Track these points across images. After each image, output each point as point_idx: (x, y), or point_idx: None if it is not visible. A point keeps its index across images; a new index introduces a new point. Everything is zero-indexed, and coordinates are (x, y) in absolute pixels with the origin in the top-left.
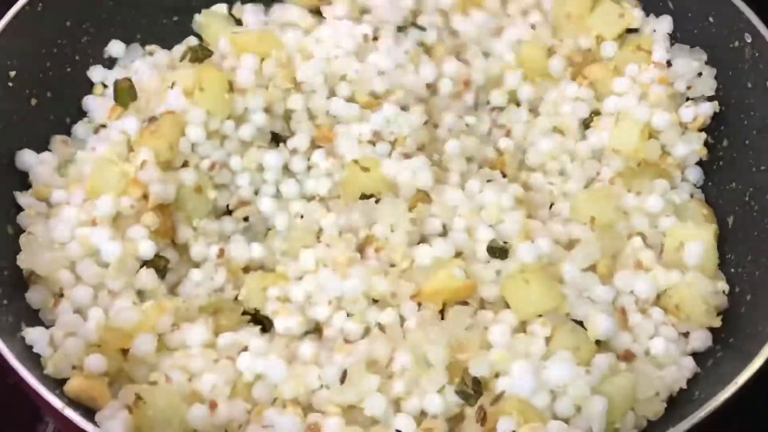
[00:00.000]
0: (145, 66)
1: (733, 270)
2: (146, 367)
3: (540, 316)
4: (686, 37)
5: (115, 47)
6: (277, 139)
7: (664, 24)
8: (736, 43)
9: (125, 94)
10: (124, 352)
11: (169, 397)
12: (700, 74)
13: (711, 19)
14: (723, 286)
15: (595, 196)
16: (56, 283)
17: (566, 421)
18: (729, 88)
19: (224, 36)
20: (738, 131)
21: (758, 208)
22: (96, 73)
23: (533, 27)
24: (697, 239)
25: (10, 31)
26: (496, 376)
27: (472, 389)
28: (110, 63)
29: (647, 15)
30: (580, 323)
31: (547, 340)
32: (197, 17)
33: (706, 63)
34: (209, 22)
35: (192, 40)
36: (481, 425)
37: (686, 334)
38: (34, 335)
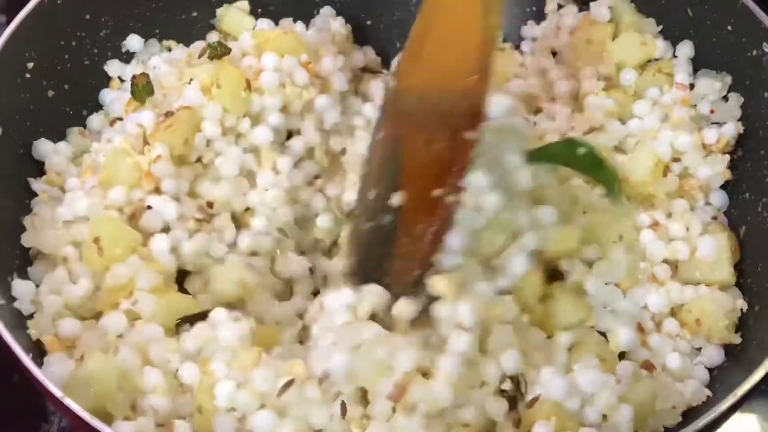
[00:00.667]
0: (162, 62)
1: (742, 281)
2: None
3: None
4: (707, 60)
5: (132, 41)
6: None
7: (686, 48)
8: (754, 53)
9: (143, 89)
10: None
11: (107, 368)
12: (725, 99)
13: (729, 28)
14: (742, 304)
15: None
16: (59, 261)
17: (595, 428)
18: (747, 100)
19: (245, 31)
20: (753, 140)
21: None
22: (113, 67)
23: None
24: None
25: (29, 23)
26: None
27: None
28: (128, 57)
29: (670, 45)
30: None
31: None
32: (219, 11)
33: (732, 89)
34: (231, 16)
35: (212, 36)
36: (515, 428)
37: (698, 349)
38: (20, 288)
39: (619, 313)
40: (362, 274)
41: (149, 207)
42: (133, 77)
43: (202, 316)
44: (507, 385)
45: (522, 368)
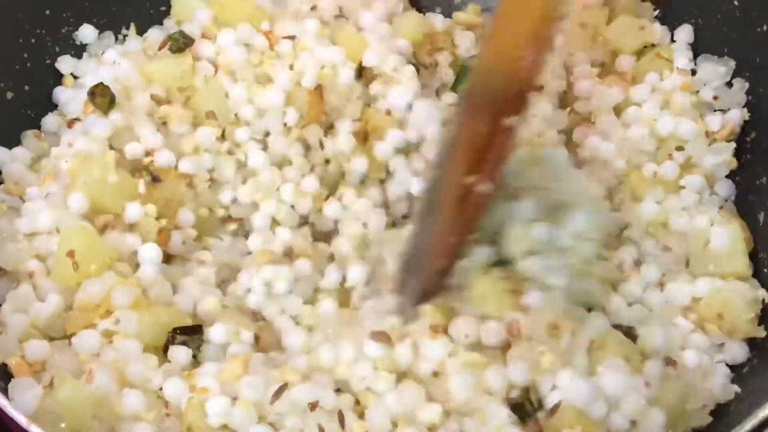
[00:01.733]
0: (118, 55)
1: (766, 270)
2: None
3: None
4: (710, 42)
5: (85, 32)
6: None
7: (685, 32)
8: (764, 27)
9: (104, 104)
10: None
11: (80, 395)
12: (729, 85)
13: (736, 2)
14: (764, 294)
15: None
16: (23, 277)
17: None
18: (758, 78)
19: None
20: (766, 121)
21: None
22: (64, 63)
23: None
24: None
25: None
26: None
27: (531, 404)
28: (79, 50)
29: (668, 30)
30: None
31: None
32: None
33: (736, 73)
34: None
35: (169, 23)
36: None
37: (721, 345)
38: None
39: (651, 309)
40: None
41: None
42: (92, 91)
43: (193, 329)
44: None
45: (531, 378)
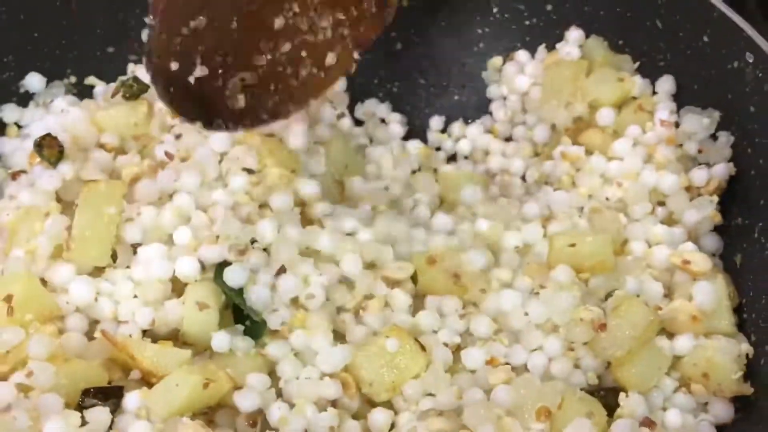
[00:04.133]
0: (68, 104)
1: (746, 316)
2: None
3: None
4: (691, 93)
5: (32, 81)
6: None
7: (667, 83)
8: (735, 64)
9: (52, 155)
10: None
11: None
12: (714, 138)
13: (706, 39)
14: (747, 348)
15: None
16: None
17: None
18: (731, 114)
19: None
20: (743, 160)
21: None
22: (8, 112)
23: None
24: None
25: None
26: None
27: None
28: (22, 100)
29: (649, 83)
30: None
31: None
32: None
33: (721, 126)
34: None
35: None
36: None
37: (705, 404)
38: None
39: None
40: None
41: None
42: (38, 143)
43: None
44: None
45: None
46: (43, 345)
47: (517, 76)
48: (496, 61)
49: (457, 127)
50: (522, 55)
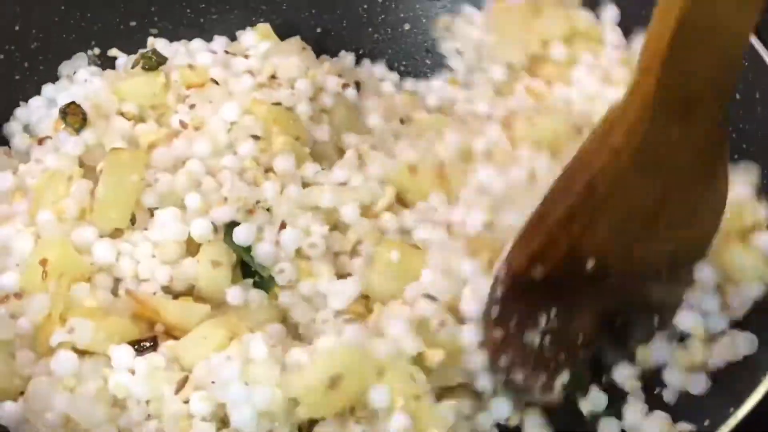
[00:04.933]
0: (90, 74)
1: None
2: None
3: None
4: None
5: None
6: None
7: (609, 12)
8: None
9: (76, 122)
10: None
11: None
12: None
13: None
14: None
15: None
16: None
17: None
18: None
19: None
20: None
21: None
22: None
23: None
24: None
25: None
26: None
27: None
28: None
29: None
30: None
31: None
32: None
33: None
34: None
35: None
36: None
37: None
38: None
39: None
40: None
41: None
42: (63, 110)
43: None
44: None
45: None
46: (81, 302)
47: (467, 27)
48: (445, 20)
49: (423, 85)
50: (468, 9)
